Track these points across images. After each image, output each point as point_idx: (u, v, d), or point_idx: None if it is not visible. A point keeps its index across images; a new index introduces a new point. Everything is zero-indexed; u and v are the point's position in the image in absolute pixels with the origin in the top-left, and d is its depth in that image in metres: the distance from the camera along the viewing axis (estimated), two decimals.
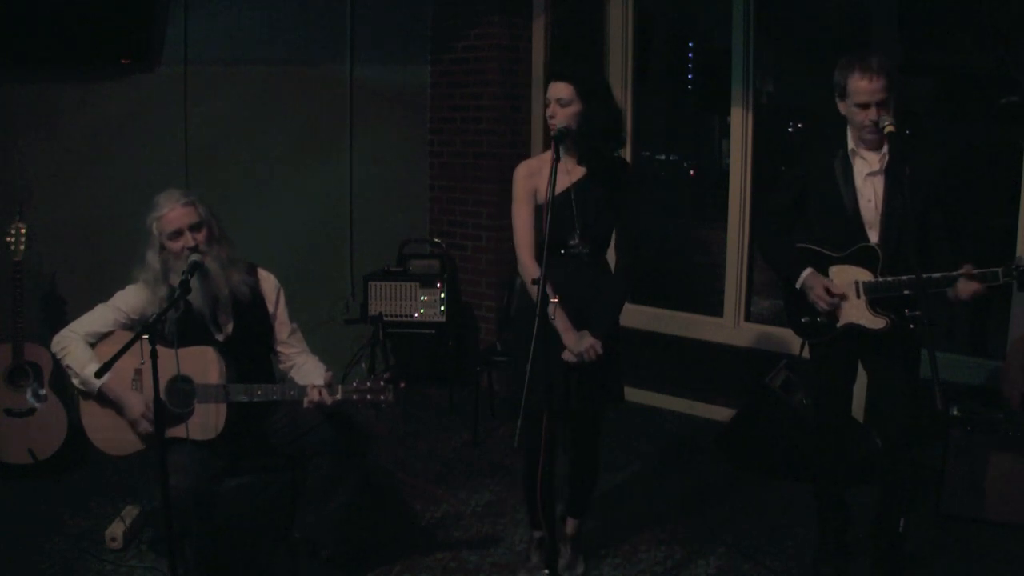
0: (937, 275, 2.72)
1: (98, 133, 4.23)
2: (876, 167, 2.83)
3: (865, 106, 2.72)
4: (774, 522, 3.58)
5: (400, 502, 3.77)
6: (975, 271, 2.70)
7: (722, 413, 4.70)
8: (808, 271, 2.92)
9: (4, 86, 3.95)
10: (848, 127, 2.85)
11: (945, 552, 3.27)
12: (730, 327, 4.83)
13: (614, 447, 4.30)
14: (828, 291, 2.87)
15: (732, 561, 3.27)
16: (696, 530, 3.51)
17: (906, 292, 2.75)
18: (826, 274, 2.92)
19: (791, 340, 4.52)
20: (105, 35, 4.09)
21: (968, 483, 3.46)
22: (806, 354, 3.14)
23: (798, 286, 2.94)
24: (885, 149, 2.80)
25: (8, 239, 3.71)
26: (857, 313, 2.88)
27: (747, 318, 4.85)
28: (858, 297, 2.87)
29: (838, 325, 2.91)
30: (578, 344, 2.81)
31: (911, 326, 2.73)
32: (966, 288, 2.70)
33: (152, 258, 2.85)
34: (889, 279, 2.80)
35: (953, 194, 2.97)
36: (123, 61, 4.22)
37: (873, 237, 2.85)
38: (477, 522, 3.59)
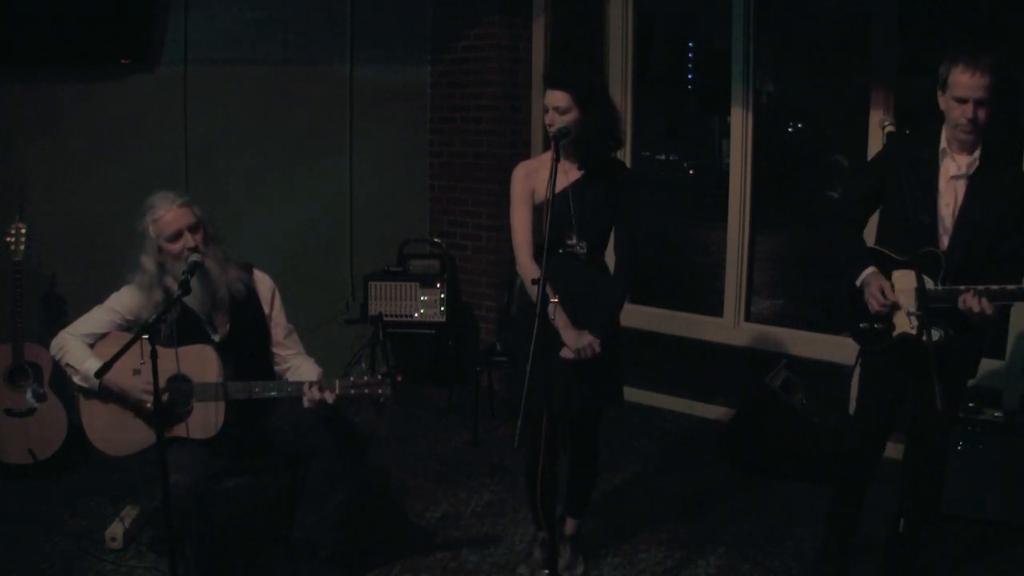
0: (1012, 287, 2.56)
1: (98, 133, 4.23)
2: (963, 171, 2.67)
3: (963, 101, 2.57)
4: (774, 522, 3.57)
5: (400, 502, 3.77)
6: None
7: (722, 413, 4.70)
8: (871, 269, 2.77)
9: (4, 86, 3.95)
10: (944, 125, 2.69)
11: (945, 552, 3.27)
12: (730, 327, 4.83)
13: (614, 447, 4.30)
14: (883, 292, 2.73)
15: (732, 561, 3.27)
16: (696, 530, 3.51)
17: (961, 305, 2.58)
18: (889, 279, 2.77)
19: (791, 340, 4.55)
20: (105, 35, 4.10)
21: (968, 483, 3.46)
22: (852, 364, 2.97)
23: (857, 283, 2.80)
24: (978, 153, 2.65)
25: (8, 239, 3.72)
26: (911, 323, 2.73)
27: (747, 318, 4.85)
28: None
29: (894, 334, 2.76)
30: (577, 341, 2.81)
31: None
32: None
33: (147, 261, 2.84)
34: (946, 288, 2.62)
35: None
36: (123, 61, 4.23)
37: (943, 244, 2.70)
38: (477, 522, 3.59)
